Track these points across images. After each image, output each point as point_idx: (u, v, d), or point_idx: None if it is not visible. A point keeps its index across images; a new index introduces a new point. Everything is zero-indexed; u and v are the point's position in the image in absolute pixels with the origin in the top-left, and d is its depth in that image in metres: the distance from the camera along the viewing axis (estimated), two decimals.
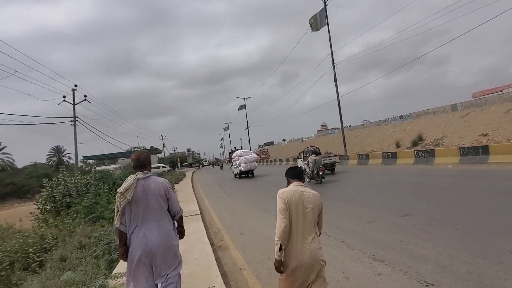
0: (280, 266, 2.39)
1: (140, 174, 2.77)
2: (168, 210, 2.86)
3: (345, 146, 23.22)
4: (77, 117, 22.19)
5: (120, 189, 2.65)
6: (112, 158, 79.29)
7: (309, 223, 2.39)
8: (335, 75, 21.57)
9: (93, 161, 79.42)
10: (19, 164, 59.58)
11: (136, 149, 71.47)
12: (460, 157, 12.88)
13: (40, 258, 6.09)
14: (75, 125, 21.99)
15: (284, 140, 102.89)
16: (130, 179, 2.70)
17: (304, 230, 2.37)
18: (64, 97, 22.30)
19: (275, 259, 2.38)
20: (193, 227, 7.04)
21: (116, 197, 2.70)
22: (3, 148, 55.85)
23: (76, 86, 22.49)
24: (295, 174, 2.64)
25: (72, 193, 12.50)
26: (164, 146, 73.17)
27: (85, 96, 22.60)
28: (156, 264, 2.67)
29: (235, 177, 19.52)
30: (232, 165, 22.66)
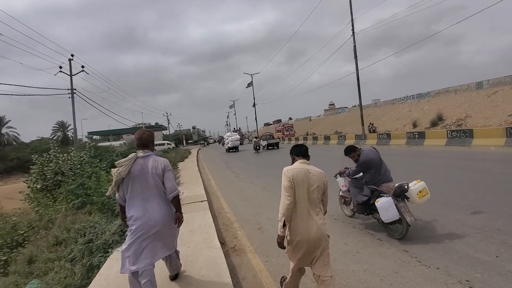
0: (282, 242, 2.44)
1: (140, 153, 2.85)
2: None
3: (363, 124, 21.46)
4: (75, 89, 20.67)
5: (116, 164, 2.74)
6: (117, 134, 78.52)
7: (314, 200, 2.40)
8: (354, 46, 19.49)
9: (98, 137, 78.90)
10: (27, 139, 59.00)
11: (141, 125, 70.51)
12: (506, 139, 11.14)
13: (5, 257, 4.77)
14: (72, 97, 20.52)
15: (290, 118, 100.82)
16: (128, 157, 2.78)
17: (309, 207, 2.38)
18: (60, 67, 20.69)
19: (278, 234, 2.41)
20: (200, 219, 5.64)
21: (112, 171, 2.78)
22: (7, 122, 55.08)
23: (72, 55, 20.79)
24: (300, 151, 2.61)
25: (64, 171, 11.21)
26: (169, 123, 71.94)
27: (82, 66, 20.93)
28: (151, 242, 2.73)
29: (226, 151, 25.89)
30: (224, 143, 29.71)
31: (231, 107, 73.90)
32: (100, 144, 34.24)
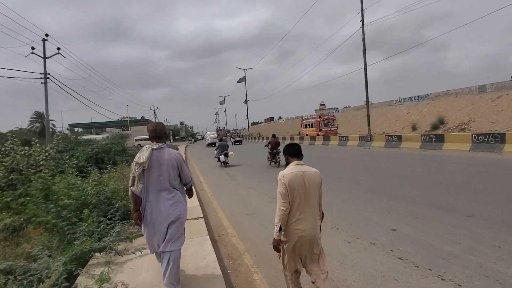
0: (278, 245, 2.47)
1: (154, 145, 2.88)
2: (180, 180, 3.00)
3: (369, 125, 19.87)
4: (49, 73, 18.24)
5: (136, 159, 2.78)
6: (100, 127, 75.03)
7: (311, 201, 2.40)
8: (363, 39, 17.84)
9: (80, 129, 75.16)
10: (5, 130, 55.03)
11: (126, 119, 67.46)
12: None
13: None
14: (45, 82, 18.10)
15: (280, 118, 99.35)
16: (146, 149, 2.84)
17: (306, 209, 2.39)
18: (32, 48, 18.21)
19: (274, 238, 2.45)
20: (195, 254, 3.80)
21: (132, 165, 2.86)
22: None
23: (47, 35, 18.32)
24: (294, 152, 2.55)
25: (22, 168, 9.04)
26: (155, 117, 68.97)
27: (58, 49, 18.49)
28: (167, 230, 2.82)
29: (206, 146, 28.37)
30: (205, 140, 35.16)
31: (221, 103, 71.80)
32: (82, 137, 31.74)
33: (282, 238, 2.45)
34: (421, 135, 15.13)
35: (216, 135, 33.74)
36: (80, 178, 7.50)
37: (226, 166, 14.27)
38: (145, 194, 2.83)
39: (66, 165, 9.57)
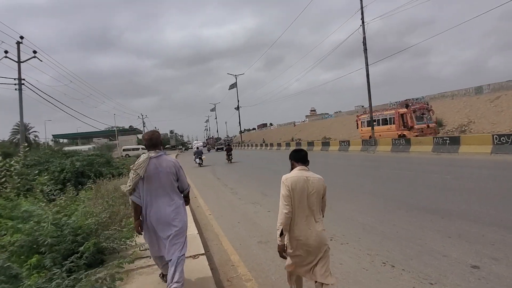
0: (282, 251, 2.42)
1: (152, 153, 2.90)
2: (177, 187, 3.03)
3: (372, 128, 18.81)
4: (24, 79, 16.63)
5: (133, 166, 2.86)
6: (86, 137, 72.31)
7: (314, 207, 2.36)
8: (364, 37, 16.90)
9: (66, 140, 72.32)
10: None
11: (113, 128, 65.09)
12: None
13: None
14: (20, 88, 16.48)
15: (271, 124, 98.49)
16: (142, 158, 2.87)
17: (309, 215, 2.35)
18: (6, 52, 16.59)
19: (278, 244, 2.41)
20: None
21: (130, 173, 2.89)
22: None
23: (22, 38, 16.75)
24: (299, 157, 2.52)
25: None
26: (144, 126, 66.93)
27: (34, 52, 16.92)
28: (167, 241, 2.83)
29: (194, 155, 26.51)
30: (193, 148, 34.78)
31: (212, 110, 70.37)
32: (66, 148, 29.89)
33: (288, 248, 2.41)
34: (433, 137, 14.10)
35: (201, 143, 35.26)
36: (46, 200, 6.03)
37: (200, 166, 20.28)
38: (145, 202, 2.87)
39: (36, 181, 8.10)
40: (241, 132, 57.07)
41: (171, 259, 2.80)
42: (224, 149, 24.25)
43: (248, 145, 52.11)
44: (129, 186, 2.86)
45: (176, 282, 2.76)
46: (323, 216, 2.48)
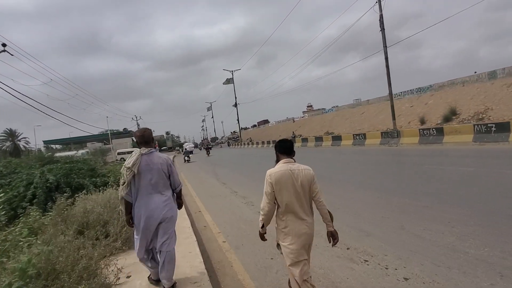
0: (263, 236, 2.51)
1: (144, 150, 2.94)
2: (170, 184, 3.08)
3: (394, 118, 16.95)
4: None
5: (126, 164, 2.86)
6: (79, 142, 69.79)
7: (302, 200, 2.32)
8: (381, 15, 14.97)
9: (59, 146, 69.80)
10: None
11: (106, 132, 62.61)
12: None
13: None
14: None
15: (268, 121, 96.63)
16: (135, 154, 2.89)
17: (297, 208, 2.31)
18: None
19: (259, 231, 2.50)
20: None
21: (122, 170, 2.92)
22: None
23: (4, 45, 14.69)
24: (284, 148, 2.43)
25: None
26: (138, 128, 64.55)
27: (4, 45, 14.82)
28: (158, 231, 2.94)
29: (183, 154, 29.93)
30: (184, 148, 38.57)
31: (208, 109, 68.22)
32: (58, 154, 27.80)
33: (281, 242, 2.39)
34: (473, 125, 12.22)
35: (193, 145, 41.67)
36: None
37: (188, 162, 25.21)
38: (136, 198, 2.89)
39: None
40: (240, 129, 55.05)
41: (162, 250, 2.94)
42: (204, 148, 38.12)
43: (246, 143, 50.11)
44: (123, 183, 2.88)
45: (167, 279, 2.96)
46: (322, 200, 2.37)
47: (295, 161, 2.39)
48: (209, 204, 7.92)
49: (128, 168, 2.81)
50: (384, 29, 15.04)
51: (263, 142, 40.45)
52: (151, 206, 2.86)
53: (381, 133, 17.09)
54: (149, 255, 3.06)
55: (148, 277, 3.29)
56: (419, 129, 14.49)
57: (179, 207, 3.24)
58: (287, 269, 2.39)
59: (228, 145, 54.53)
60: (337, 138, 21.66)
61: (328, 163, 13.42)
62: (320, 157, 16.61)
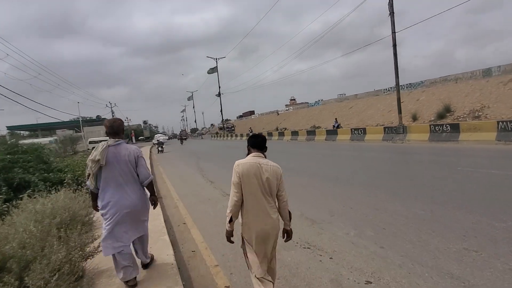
0: (230, 236, 2.42)
1: (111, 141, 2.88)
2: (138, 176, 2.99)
3: (400, 113, 15.53)
4: None
5: (91, 157, 2.79)
6: (48, 129, 64.87)
7: (268, 195, 2.30)
8: (392, 7, 13.36)
9: (27, 132, 64.53)
10: None
11: (77, 118, 58.19)
12: None
13: None
14: None
15: (253, 112, 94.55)
16: (101, 146, 2.81)
17: (262, 202, 2.29)
18: None
19: (226, 229, 2.40)
20: None
21: (87, 162, 2.85)
22: None
23: None
24: (256, 143, 2.42)
25: None
26: (113, 115, 60.48)
27: None
28: (127, 225, 2.89)
29: (153, 145, 30.88)
30: (157, 139, 37.47)
31: (189, 99, 65.19)
32: (25, 141, 24.60)
33: (245, 235, 2.37)
34: (497, 121, 10.91)
35: (163, 137, 41.17)
36: None
37: (162, 152, 26.04)
38: (106, 190, 2.84)
39: None
40: (223, 121, 52.75)
41: (138, 236, 3.03)
42: (178, 138, 39.93)
43: (229, 136, 47.97)
44: (88, 174, 2.84)
45: (144, 257, 3.24)
46: (286, 201, 2.40)
47: (265, 157, 2.40)
48: (196, 212, 6.00)
49: (93, 160, 2.77)
50: (393, 12, 13.48)
51: (247, 134, 38.45)
52: (124, 199, 2.83)
53: (384, 128, 15.68)
54: (121, 253, 2.88)
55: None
56: (430, 125, 13.15)
57: (154, 205, 3.19)
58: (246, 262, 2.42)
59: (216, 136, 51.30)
60: (332, 132, 20.12)
61: (332, 160, 11.83)
62: (318, 153, 15.02)
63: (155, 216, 5.07)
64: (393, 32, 14.06)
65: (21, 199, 5.29)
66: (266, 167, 2.27)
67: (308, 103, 62.71)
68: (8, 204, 5.50)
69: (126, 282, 2.92)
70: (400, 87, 36.49)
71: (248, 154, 2.43)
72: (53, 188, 6.59)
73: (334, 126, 23.68)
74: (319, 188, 6.92)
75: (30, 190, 6.12)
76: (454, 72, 30.35)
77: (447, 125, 12.37)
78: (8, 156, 7.28)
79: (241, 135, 41.86)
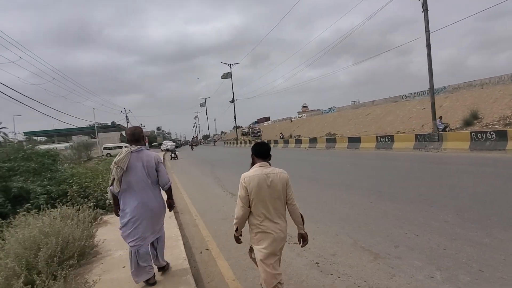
0: (238, 240, 2.50)
1: (133, 147, 3.05)
2: (158, 181, 3.16)
3: (434, 119, 14.33)
4: None
5: (115, 160, 2.94)
6: (64, 135, 65.51)
7: (276, 203, 2.33)
8: (426, 3, 12.33)
9: (43, 138, 65.40)
10: None
11: (93, 124, 58.54)
12: None
13: None
14: None
15: (268, 118, 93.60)
16: (124, 151, 2.97)
17: (271, 212, 2.32)
18: None
19: (234, 235, 2.49)
20: None
21: (111, 166, 2.98)
22: None
23: None
24: (261, 152, 2.41)
25: None
26: (128, 122, 60.75)
27: None
28: (146, 226, 3.00)
29: (161, 150, 31.48)
30: (166, 146, 37.71)
31: (202, 105, 64.95)
32: (41, 146, 24.38)
33: (255, 246, 2.38)
34: None
35: (172, 143, 42.08)
36: None
37: (176, 159, 25.84)
38: (127, 193, 2.96)
39: None
40: (236, 128, 52.04)
41: (155, 238, 3.17)
42: (190, 144, 43.42)
43: (241, 142, 47.14)
44: (112, 179, 2.94)
45: (161, 260, 3.28)
46: (294, 204, 2.41)
47: (270, 165, 2.40)
48: (220, 233, 5.03)
49: (117, 164, 2.89)
50: (427, 9, 12.45)
51: (276, 141, 37.26)
52: (144, 204, 2.95)
53: (415, 135, 14.45)
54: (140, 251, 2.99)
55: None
56: (471, 132, 11.90)
57: (170, 208, 3.31)
58: (259, 271, 2.40)
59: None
60: (354, 140, 18.95)
61: (363, 170, 10.75)
62: (344, 162, 13.91)
63: (172, 242, 4.14)
64: (427, 31, 12.97)
65: (19, 213, 4.55)
66: (272, 175, 2.30)
67: (321, 110, 61.28)
68: (2, 221, 4.76)
69: (146, 281, 3.02)
70: (421, 93, 35.05)
71: (252, 163, 2.44)
72: (56, 201, 5.81)
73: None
74: (361, 204, 5.87)
75: (29, 204, 5.34)
76: (466, 80, 28.76)
77: (491, 132, 11.13)
78: (6, 165, 6.50)
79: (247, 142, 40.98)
